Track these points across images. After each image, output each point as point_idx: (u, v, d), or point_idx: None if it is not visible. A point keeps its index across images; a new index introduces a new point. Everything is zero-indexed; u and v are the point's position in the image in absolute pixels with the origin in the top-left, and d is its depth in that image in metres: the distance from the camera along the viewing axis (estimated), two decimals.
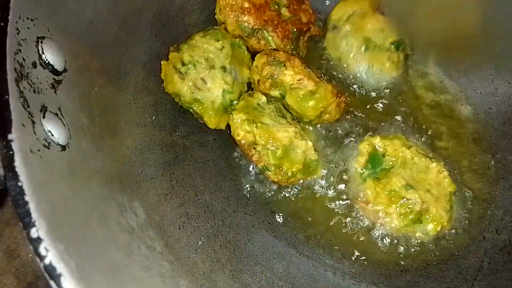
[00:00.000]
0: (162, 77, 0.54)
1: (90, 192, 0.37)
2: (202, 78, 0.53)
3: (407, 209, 0.52)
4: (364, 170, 0.55)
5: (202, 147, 0.56)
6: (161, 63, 0.54)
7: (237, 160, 0.58)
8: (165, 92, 0.55)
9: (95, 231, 0.34)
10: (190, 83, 0.53)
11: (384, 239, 0.53)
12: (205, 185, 0.53)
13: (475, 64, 0.65)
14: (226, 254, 0.47)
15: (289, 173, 0.53)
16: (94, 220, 0.35)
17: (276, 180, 0.54)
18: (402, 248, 0.54)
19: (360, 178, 0.56)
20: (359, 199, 0.55)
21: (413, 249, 0.53)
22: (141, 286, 0.34)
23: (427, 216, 0.53)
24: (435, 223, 0.53)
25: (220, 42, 0.55)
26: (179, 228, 0.46)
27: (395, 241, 0.54)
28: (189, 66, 0.53)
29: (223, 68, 0.54)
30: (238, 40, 0.58)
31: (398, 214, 0.53)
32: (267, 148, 0.52)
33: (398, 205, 0.53)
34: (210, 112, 0.54)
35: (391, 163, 0.55)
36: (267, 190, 0.56)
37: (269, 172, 0.53)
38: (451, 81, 0.66)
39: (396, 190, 0.53)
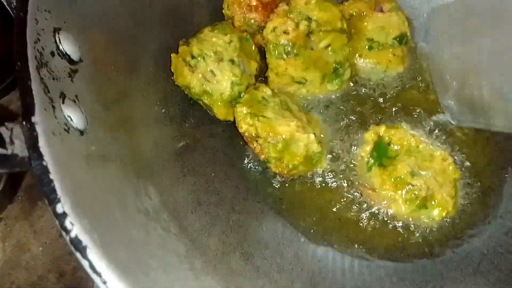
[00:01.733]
0: (172, 70, 0.56)
1: (107, 175, 0.38)
2: (211, 70, 0.55)
3: (412, 195, 0.54)
4: (370, 158, 0.57)
5: (211, 138, 0.58)
6: (171, 56, 0.56)
7: (246, 150, 0.59)
8: (175, 84, 0.56)
9: (114, 210, 0.35)
10: (200, 75, 0.55)
11: (390, 225, 0.55)
12: (215, 173, 0.55)
13: None
14: (237, 238, 0.48)
15: (290, 166, 0.54)
16: (112, 201, 0.36)
17: (277, 172, 0.55)
18: (408, 233, 0.55)
19: (366, 167, 0.57)
20: (365, 186, 0.56)
21: (418, 234, 0.54)
22: (159, 262, 0.35)
23: (432, 202, 0.54)
24: (440, 208, 0.54)
25: (228, 36, 0.56)
26: (192, 213, 0.47)
27: (401, 226, 0.55)
28: (199, 59, 0.54)
29: (232, 61, 0.55)
30: (245, 34, 0.59)
31: (404, 200, 0.54)
32: (268, 141, 0.53)
33: (404, 191, 0.54)
34: (219, 103, 0.56)
35: (396, 151, 0.57)
36: (275, 179, 0.57)
37: (270, 164, 0.54)
38: None
39: (402, 177, 0.54)
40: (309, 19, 0.58)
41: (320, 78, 0.59)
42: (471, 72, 0.57)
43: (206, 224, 0.48)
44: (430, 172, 0.55)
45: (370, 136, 0.57)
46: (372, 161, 0.57)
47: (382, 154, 0.57)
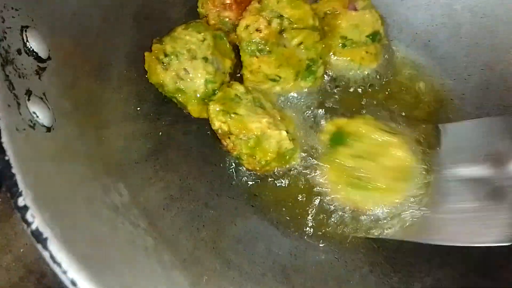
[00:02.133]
0: (146, 68, 0.56)
1: (74, 171, 0.39)
2: (185, 68, 0.55)
3: (355, 179, 0.55)
4: (327, 148, 0.58)
5: (185, 135, 0.58)
6: (145, 54, 0.56)
7: (220, 147, 0.60)
8: (149, 82, 0.57)
9: (80, 206, 0.36)
10: (173, 73, 0.55)
11: (360, 218, 0.56)
12: (189, 170, 0.55)
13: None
14: (209, 233, 0.49)
15: (263, 162, 0.55)
16: (79, 196, 0.37)
17: (250, 168, 0.56)
18: (378, 226, 0.56)
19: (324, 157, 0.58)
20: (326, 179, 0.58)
21: (388, 225, 0.55)
22: (125, 256, 0.36)
23: (376, 186, 0.55)
24: (386, 194, 0.55)
25: (202, 34, 0.56)
26: (163, 209, 0.48)
27: (371, 219, 0.56)
28: (172, 57, 0.55)
29: (205, 59, 0.56)
30: (220, 32, 0.60)
31: (346, 185, 0.55)
32: (240, 138, 0.54)
33: (346, 176, 0.56)
34: (193, 101, 0.57)
35: (352, 140, 0.58)
36: (249, 175, 0.58)
37: (243, 161, 0.55)
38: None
39: (342, 162, 0.56)
40: (281, 17, 0.59)
41: (293, 75, 0.60)
42: None
43: (177, 219, 0.48)
44: (379, 158, 0.56)
45: (328, 126, 0.58)
46: (327, 151, 0.58)
47: (337, 143, 0.58)
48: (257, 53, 0.58)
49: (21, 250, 0.93)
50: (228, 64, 0.59)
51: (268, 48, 0.58)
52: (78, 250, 0.30)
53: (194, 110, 0.57)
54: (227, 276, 0.44)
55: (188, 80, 0.55)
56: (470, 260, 0.53)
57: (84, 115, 0.45)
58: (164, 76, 0.55)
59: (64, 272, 0.28)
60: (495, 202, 0.51)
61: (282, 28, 0.59)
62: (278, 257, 0.51)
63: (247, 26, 0.58)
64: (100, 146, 0.45)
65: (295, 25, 0.60)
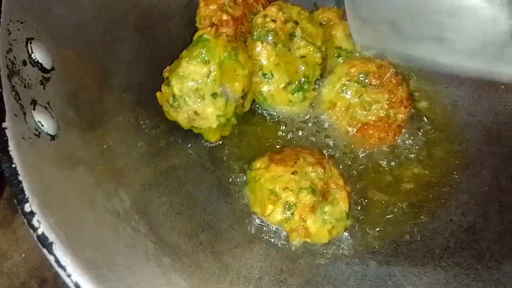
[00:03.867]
0: (161, 105, 0.57)
1: (77, 178, 0.40)
2: (195, 111, 0.56)
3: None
4: None
5: (184, 142, 0.60)
6: (156, 94, 0.57)
7: (218, 154, 0.62)
8: (149, 91, 0.58)
9: (83, 211, 0.37)
10: (185, 115, 0.56)
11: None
12: (188, 177, 0.57)
13: None
14: (208, 238, 0.50)
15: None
16: (82, 202, 0.38)
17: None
18: (372, 230, 0.58)
19: None
20: None
21: (380, 229, 0.57)
22: (127, 260, 0.37)
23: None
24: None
25: (207, 66, 0.54)
26: (163, 214, 0.49)
27: (363, 225, 0.58)
28: (180, 100, 0.55)
29: (214, 95, 0.55)
30: (228, 52, 0.56)
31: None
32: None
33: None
34: (208, 132, 0.58)
35: None
36: (247, 182, 0.60)
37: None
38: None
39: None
40: (296, 23, 0.62)
41: (285, 82, 0.61)
42: None
43: (177, 224, 0.49)
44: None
45: None
46: None
47: None
48: (264, 39, 0.60)
49: (23, 256, 0.94)
50: (239, 88, 0.57)
51: (275, 40, 0.60)
52: (81, 254, 0.31)
53: (210, 138, 0.59)
54: (225, 279, 0.46)
55: (200, 120, 0.56)
56: (463, 263, 0.54)
57: (86, 123, 0.46)
58: (177, 117, 0.56)
59: (69, 276, 0.29)
60: None
61: (294, 33, 0.62)
62: (275, 261, 0.52)
63: (265, 16, 0.61)
64: (102, 153, 0.47)
65: (305, 37, 0.62)
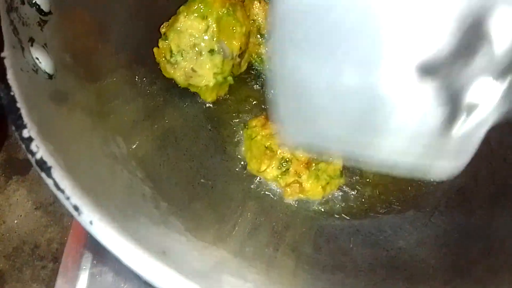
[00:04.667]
0: (158, 62, 0.57)
1: (75, 118, 0.40)
2: (192, 68, 0.56)
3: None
4: None
5: (181, 99, 0.60)
6: (154, 50, 0.57)
7: (215, 114, 0.62)
8: (145, 50, 0.58)
9: (81, 147, 0.37)
10: (182, 72, 0.56)
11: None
12: (184, 133, 0.57)
13: None
14: (204, 190, 0.51)
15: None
16: (79, 140, 0.38)
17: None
18: (365, 189, 0.59)
19: None
20: None
21: (373, 188, 0.58)
22: (124, 196, 0.37)
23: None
24: None
25: (205, 21, 0.54)
26: (160, 165, 0.49)
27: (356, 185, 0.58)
28: (178, 56, 0.55)
29: (211, 52, 0.55)
30: (226, 8, 0.56)
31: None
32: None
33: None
34: (204, 91, 0.58)
35: None
36: (244, 140, 0.60)
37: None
38: None
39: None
40: None
41: None
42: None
43: (174, 176, 0.50)
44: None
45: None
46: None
47: None
48: None
49: (15, 222, 0.94)
50: (236, 45, 0.57)
51: None
52: (80, 181, 0.31)
53: (206, 97, 0.59)
54: (221, 227, 0.46)
55: (197, 76, 0.56)
56: (453, 221, 0.56)
57: (83, 70, 0.46)
58: (174, 73, 0.56)
59: (67, 198, 0.30)
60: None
61: None
62: (269, 214, 0.53)
63: None
64: (99, 102, 0.47)
65: None
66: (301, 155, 0.54)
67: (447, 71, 0.33)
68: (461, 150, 0.40)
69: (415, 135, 0.41)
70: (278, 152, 0.55)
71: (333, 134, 0.44)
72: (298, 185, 0.54)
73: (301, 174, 0.54)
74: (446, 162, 0.40)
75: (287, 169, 0.54)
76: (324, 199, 0.56)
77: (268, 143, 0.55)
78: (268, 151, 0.55)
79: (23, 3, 0.39)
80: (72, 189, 0.30)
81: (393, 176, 0.59)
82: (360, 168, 0.58)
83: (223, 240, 0.43)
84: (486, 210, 0.56)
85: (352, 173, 0.59)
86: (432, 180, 0.59)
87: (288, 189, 0.54)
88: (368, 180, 0.59)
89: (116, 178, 0.39)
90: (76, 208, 0.30)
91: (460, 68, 0.33)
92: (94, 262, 0.63)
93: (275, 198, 0.55)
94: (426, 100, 0.37)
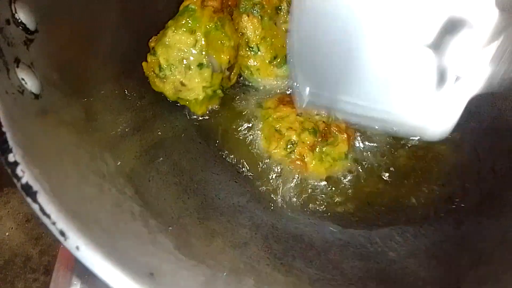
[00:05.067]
0: (146, 76, 0.58)
1: (61, 137, 0.40)
2: (181, 82, 0.56)
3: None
4: None
5: (170, 113, 0.60)
6: (142, 65, 0.57)
7: (205, 127, 0.62)
8: (134, 61, 0.58)
9: (67, 168, 0.37)
10: (171, 85, 0.56)
11: (337, 188, 0.58)
12: (174, 146, 0.57)
13: None
14: (193, 204, 0.51)
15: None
16: (66, 159, 0.38)
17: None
18: (355, 204, 0.59)
19: None
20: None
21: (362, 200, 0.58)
22: (112, 216, 0.37)
23: None
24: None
25: (193, 36, 0.54)
26: (149, 181, 0.49)
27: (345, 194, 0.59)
28: (166, 71, 0.55)
29: (200, 65, 0.55)
30: (214, 22, 0.56)
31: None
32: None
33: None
34: (194, 104, 0.59)
35: None
36: (233, 152, 0.60)
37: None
38: None
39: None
40: None
41: (271, 56, 0.62)
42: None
43: (163, 191, 0.50)
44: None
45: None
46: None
47: None
48: (250, 11, 0.61)
49: (6, 234, 0.93)
50: (225, 59, 0.57)
51: (261, 13, 0.61)
52: (66, 205, 0.31)
53: (196, 110, 0.60)
54: (212, 243, 0.46)
55: (186, 90, 0.57)
56: (442, 231, 0.56)
57: (70, 87, 0.46)
58: (163, 87, 0.57)
59: (54, 223, 0.30)
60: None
61: (280, 6, 0.62)
62: (259, 228, 0.53)
63: None
64: (86, 118, 0.46)
65: None
66: (307, 139, 0.58)
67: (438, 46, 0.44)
68: (448, 113, 0.49)
69: (413, 93, 0.49)
70: (286, 135, 0.58)
71: (338, 83, 0.49)
72: (302, 163, 0.58)
73: (306, 156, 0.58)
74: (436, 124, 0.50)
75: (293, 151, 0.58)
76: (309, 212, 0.57)
77: (278, 125, 0.59)
78: (277, 133, 0.58)
79: (8, 23, 0.39)
80: (58, 214, 0.30)
81: (383, 188, 0.60)
82: (365, 129, 0.61)
83: (213, 257, 0.42)
84: (473, 220, 0.57)
85: (344, 186, 0.59)
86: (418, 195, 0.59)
87: (293, 167, 0.58)
88: (358, 192, 0.60)
89: (104, 197, 0.39)
90: (62, 233, 0.30)
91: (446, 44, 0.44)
92: (86, 276, 0.63)
93: (266, 212, 0.56)
94: (423, 66, 0.46)
